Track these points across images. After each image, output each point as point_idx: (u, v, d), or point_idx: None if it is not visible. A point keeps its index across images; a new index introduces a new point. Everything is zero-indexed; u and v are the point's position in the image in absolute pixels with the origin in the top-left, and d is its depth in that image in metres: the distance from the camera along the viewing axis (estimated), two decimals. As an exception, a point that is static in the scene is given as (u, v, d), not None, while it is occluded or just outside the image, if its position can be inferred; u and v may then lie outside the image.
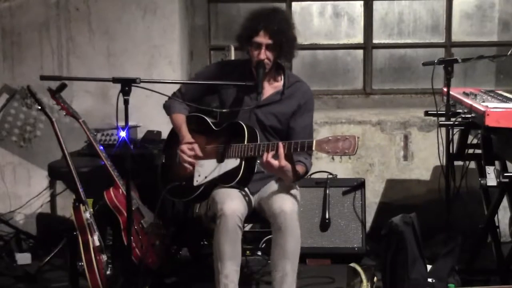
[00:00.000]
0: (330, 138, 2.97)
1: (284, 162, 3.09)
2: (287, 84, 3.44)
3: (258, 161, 3.25)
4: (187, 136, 3.43)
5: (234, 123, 3.34)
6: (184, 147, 3.39)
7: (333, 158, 2.99)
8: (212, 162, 3.32)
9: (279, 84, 3.46)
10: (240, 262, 3.22)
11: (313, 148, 3.01)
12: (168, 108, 3.58)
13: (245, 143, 3.22)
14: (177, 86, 3.64)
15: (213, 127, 3.43)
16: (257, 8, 3.40)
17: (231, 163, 3.25)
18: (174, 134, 3.56)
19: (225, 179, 3.27)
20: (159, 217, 3.76)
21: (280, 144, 3.09)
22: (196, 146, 3.38)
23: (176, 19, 4.67)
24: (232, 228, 3.12)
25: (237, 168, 3.23)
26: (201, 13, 5.12)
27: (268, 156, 3.09)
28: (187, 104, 3.52)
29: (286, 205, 3.19)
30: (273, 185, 3.39)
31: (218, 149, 3.33)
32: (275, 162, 3.09)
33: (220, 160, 3.30)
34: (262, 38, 3.26)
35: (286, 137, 3.39)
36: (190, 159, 3.37)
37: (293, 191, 3.33)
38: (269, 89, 3.44)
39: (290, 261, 3.16)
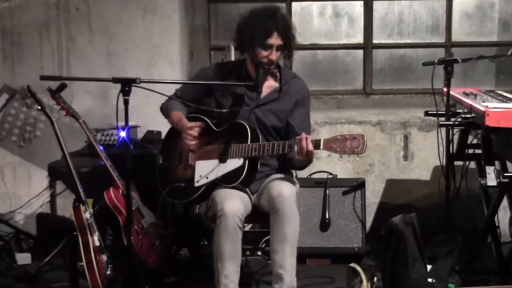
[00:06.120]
0: (338, 137, 2.99)
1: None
2: (284, 81, 3.44)
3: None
4: (187, 122, 3.41)
5: (236, 123, 3.33)
6: (187, 130, 3.36)
7: (341, 157, 3.00)
8: (213, 162, 3.31)
9: (276, 82, 3.46)
10: (240, 262, 3.22)
11: (321, 147, 3.02)
12: (165, 109, 3.57)
13: (248, 143, 3.22)
14: (177, 86, 3.63)
15: (214, 128, 3.42)
16: (257, 8, 3.37)
17: (233, 163, 3.25)
18: (171, 135, 3.55)
19: (227, 180, 3.26)
20: (159, 217, 3.76)
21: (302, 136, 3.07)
22: (200, 125, 3.37)
23: (176, 19, 4.67)
24: (232, 228, 3.12)
25: (241, 168, 3.22)
26: (201, 13, 5.11)
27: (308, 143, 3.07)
28: (184, 104, 3.51)
29: (284, 189, 3.21)
30: (271, 178, 3.40)
31: (220, 149, 3.32)
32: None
33: (222, 160, 3.29)
34: (275, 40, 3.27)
35: (285, 135, 3.40)
36: (194, 133, 3.34)
37: (291, 179, 3.35)
38: (266, 87, 3.43)
39: (289, 244, 3.16)
